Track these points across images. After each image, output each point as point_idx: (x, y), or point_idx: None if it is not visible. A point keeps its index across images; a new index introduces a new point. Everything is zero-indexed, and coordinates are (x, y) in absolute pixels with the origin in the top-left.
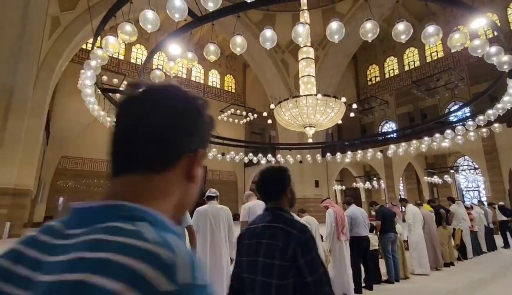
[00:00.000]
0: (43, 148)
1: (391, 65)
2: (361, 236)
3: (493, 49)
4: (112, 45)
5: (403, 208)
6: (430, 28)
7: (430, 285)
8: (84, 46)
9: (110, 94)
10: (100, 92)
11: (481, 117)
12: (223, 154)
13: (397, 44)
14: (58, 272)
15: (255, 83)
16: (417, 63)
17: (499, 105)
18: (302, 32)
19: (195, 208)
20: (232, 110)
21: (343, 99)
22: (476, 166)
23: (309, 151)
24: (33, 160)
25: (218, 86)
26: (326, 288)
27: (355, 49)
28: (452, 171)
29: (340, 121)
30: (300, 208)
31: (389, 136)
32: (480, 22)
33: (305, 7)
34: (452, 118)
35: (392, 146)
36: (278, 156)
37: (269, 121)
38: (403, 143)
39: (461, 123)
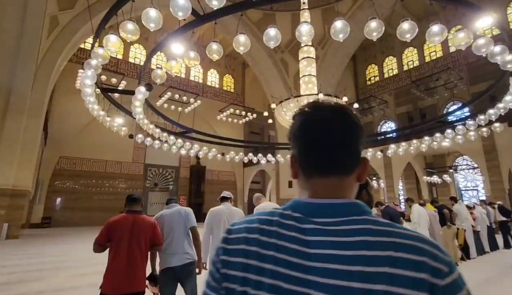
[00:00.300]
0: (41, 148)
1: (390, 65)
2: None
3: (497, 49)
4: (114, 44)
5: (402, 207)
6: (435, 27)
7: None
8: (82, 46)
9: (109, 94)
10: (98, 92)
11: (482, 117)
12: (223, 154)
13: (396, 44)
14: (342, 247)
15: (254, 83)
16: (416, 63)
17: (500, 105)
18: (306, 31)
19: (194, 207)
20: (231, 110)
21: (345, 98)
22: (475, 166)
23: None
24: (31, 160)
25: (217, 86)
26: None
27: (355, 49)
28: (451, 171)
29: None
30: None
31: (388, 136)
32: (485, 21)
33: (306, 6)
34: (451, 118)
35: (392, 146)
36: (278, 155)
37: (270, 121)
38: (403, 143)
39: (461, 123)
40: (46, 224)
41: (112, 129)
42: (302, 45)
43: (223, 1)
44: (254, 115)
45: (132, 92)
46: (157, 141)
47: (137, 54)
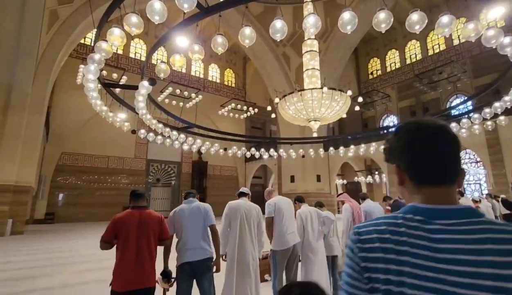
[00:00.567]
0: (43, 144)
1: (393, 59)
2: None
3: (507, 40)
4: (117, 38)
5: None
6: (444, 18)
7: None
8: (82, 41)
9: (111, 89)
10: (100, 87)
11: (487, 110)
12: (225, 149)
13: (398, 37)
14: (467, 243)
15: (256, 77)
16: (419, 56)
17: (507, 98)
18: (313, 22)
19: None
20: (233, 105)
21: (349, 92)
22: (478, 159)
23: (311, 145)
24: (33, 157)
25: (218, 80)
26: None
27: (357, 42)
28: None
29: (344, 115)
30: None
31: (391, 130)
32: (497, 12)
33: None
34: (454, 112)
35: None
36: (281, 150)
37: (273, 115)
38: None
39: (466, 116)
40: (50, 219)
41: (114, 124)
42: (305, 38)
43: None
44: (256, 110)
45: (135, 87)
46: (159, 137)
47: (138, 49)
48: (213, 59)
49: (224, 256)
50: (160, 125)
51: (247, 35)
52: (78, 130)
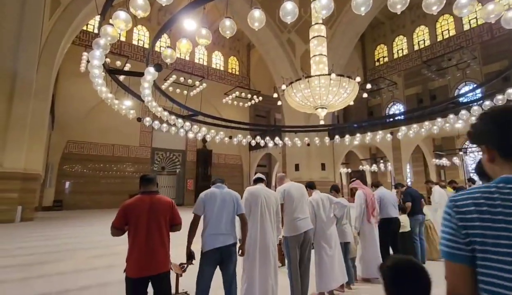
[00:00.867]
0: (49, 132)
1: (400, 45)
2: (391, 217)
3: None
4: (123, 22)
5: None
6: None
7: None
8: (85, 28)
9: (116, 76)
10: (104, 74)
11: (499, 96)
12: (230, 137)
13: (406, 22)
14: None
15: (260, 65)
16: (427, 42)
17: None
18: (325, 3)
19: (201, 190)
20: (237, 93)
21: (358, 79)
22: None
23: (317, 134)
24: (40, 144)
25: (222, 68)
26: None
27: (364, 28)
28: (461, 153)
29: (352, 102)
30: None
31: (397, 118)
32: None
33: None
34: (462, 99)
35: (403, 128)
36: (286, 139)
37: (279, 103)
38: (414, 125)
39: (476, 103)
40: (58, 207)
41: (120, 112)
42: (313, 23)
43: None
44: (260, 98)
45: (140, 74)
46: (164, 125)
47: (141, 36)
48: (217, 47)
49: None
50: (166, 113)
51: (257, 17)
52: (83, 119)
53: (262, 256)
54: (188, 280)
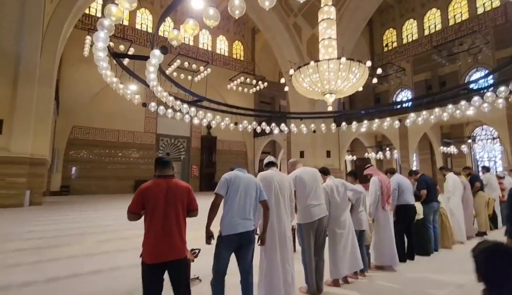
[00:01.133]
0: (54, 118)
1: (410, 29)
2: (408, 204)
3: None
4: (127, 1)
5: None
6: None
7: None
8: (87, 11)
9: (121, 60)
10: (109, 57)
11: None
12: (235, 124)
13: (417, 5)
14: None
15: (265, 50)
16: (439, 27)
17: None
18: None
19: (205, 177)
20: (242, 79)
21: (368, 63)
22: (495, 136)
23: (323, 120)
24: (46, 130)
25: (226, 53)
26: None
27: (372, 12)
28: (469, 141)
29: (361, 88)
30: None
31: (405, 105)
32: None
33: None
34: (473, 85)
35: (412, 115)
36: (292, 125)
37: (286, 88)
38: (424, 112)
39: (487, 90)
40: (65, 192)
41: (125, 97)
42: (322, 5)
43: None
44: (265, 84)
45: (145, 57)
46: (170, 110)
47: (144, 20)
48: (221, 31)
49: (257, 229)
50: (171, 98)
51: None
52: (87, 104)
53: (281, 243)
54: (200, 265)
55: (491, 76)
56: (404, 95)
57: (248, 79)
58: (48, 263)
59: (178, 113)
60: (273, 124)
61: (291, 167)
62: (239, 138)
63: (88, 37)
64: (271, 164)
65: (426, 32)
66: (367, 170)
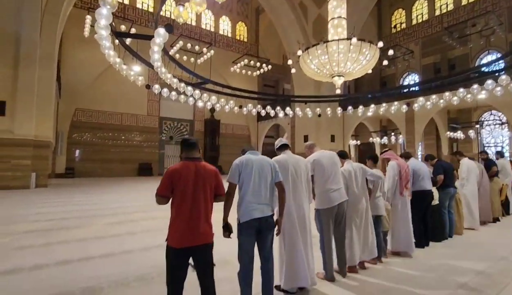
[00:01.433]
0: (57, 100)
1: (420, 10)
2: (425, 190)
3: None
4: None
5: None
6: None
7: (488, 239)
8: None
9: (123, 40)
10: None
11: None
12: (240, 107)
13: None
14: None
15: (269, 31)
16: (450, 7)
17: None
18: None
19: (209, 160)
20: (245, 61)
21: (380, 44)
22: (504, 121)
23: (328, 104)
24: (49, 112)
25: (230, 35)
26: None
27: None
28: (477, 126)
29: (370, 71)
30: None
31: (413, 89)
32: None
33: None
34: (484, 68)
35: (421, 99)
36: (297, 109)
37: (293, 70)
38: (433, 96)
39: (502, 73)
40: (70, 174)
41: (128, 78)
42: None
43: None
44: (269, 66)
45: (149, 37)
46: (174, 93)
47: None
48: (224, 11)
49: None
50: (175, 80)
51: None
52: (89, 86)
53: (301, 228)
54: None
55: (502, 60)
56: (411, 79)
57: (252, 62)
58: (58, 245)
59: (182, 96)
60: (278, 107)
61: (308, 150)
62: (242, 122)
63: (88, 16)
64: (284, 147)
65: (437, 12)
66: (384, 154)
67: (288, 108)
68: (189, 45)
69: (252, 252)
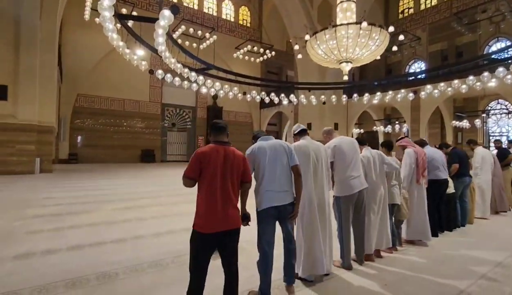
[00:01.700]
0: (58, 85)
1: None
2: (440, 179)
3: None
4: None
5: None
6: None
7: (500, 229)
8: None
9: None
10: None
11: None
12: (244, 93)
13: None
14: None
15: (273, 16)
16: None
17: None
18: None
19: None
20: (249, 47)
21: (391, 28)
22: (510, 110)
23: (333, 92)
24: (51, 97)
25: (232, 19)
26: None
27: None
28: (483, 115)
29: (378, 57)
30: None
31: (420, 76)
32: None
33: None
34: (495, 56)
35: (429, 86)
36: (301, 96)
37: (299, 56)
38: (441, 84)
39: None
40: (73, 160)
41: (132, 62)
42: None
43: None
44: (273, 53)
45: (153, 20)
46: (177, 78)
47: None
48: None
49: None
50: (179, 65)
51: None
52: (91, 71)
53: (320, 216)
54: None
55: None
56: (418, 67)
57: (255, 48)
58: (69, 230)
59: (186, 82)
60: (282, 95)
61: (327, 136)
62: (245, 109)
63: None
64: (303, 132)
65: None
66: (400, 141)
67: (292, 96)
68: (191, 30)
69: (272, 240)
